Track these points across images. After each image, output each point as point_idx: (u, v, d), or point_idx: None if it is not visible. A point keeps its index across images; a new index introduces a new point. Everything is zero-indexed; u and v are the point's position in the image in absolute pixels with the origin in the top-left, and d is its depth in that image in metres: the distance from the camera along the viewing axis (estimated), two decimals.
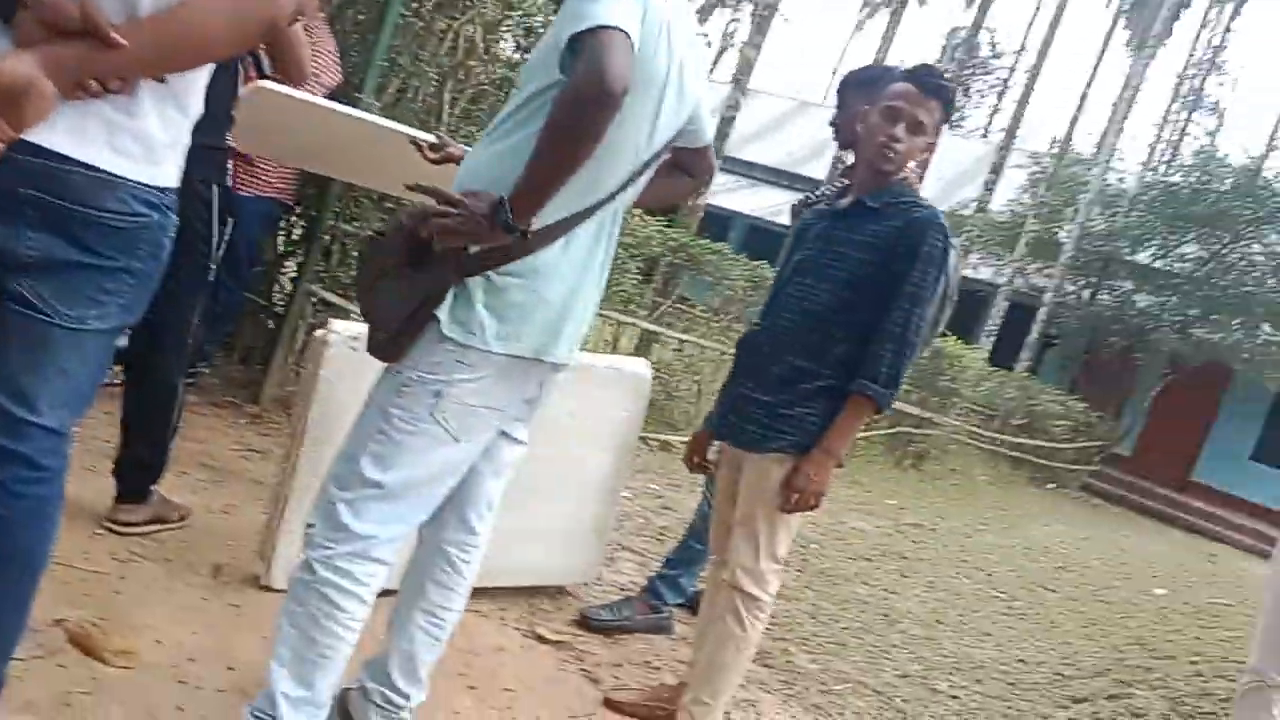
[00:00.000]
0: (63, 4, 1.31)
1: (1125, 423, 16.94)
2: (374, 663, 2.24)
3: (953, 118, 2.61)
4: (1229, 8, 31.96)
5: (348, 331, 2.90)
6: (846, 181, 3.21)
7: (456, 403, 1.91)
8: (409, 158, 2.79)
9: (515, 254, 1.86)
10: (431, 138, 2.81)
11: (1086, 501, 14.50)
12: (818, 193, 3.43)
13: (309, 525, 1.97)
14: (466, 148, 2.73)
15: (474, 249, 1.84)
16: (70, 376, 1.54)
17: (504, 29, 5.53)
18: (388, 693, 2.19)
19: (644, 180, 2.05)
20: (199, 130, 1.63)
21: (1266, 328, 15.30)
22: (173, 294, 2.31)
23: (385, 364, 1.97)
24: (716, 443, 2.87)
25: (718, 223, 18.61)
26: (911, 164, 2.62)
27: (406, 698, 2.20)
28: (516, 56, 5.54)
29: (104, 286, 1.51)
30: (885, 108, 2.52)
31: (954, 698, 3.95)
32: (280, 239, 5.01)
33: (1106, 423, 16.17)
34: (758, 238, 20.24)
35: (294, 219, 4.98)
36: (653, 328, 7.44)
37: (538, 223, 1.83)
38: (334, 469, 1.98)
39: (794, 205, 3.39)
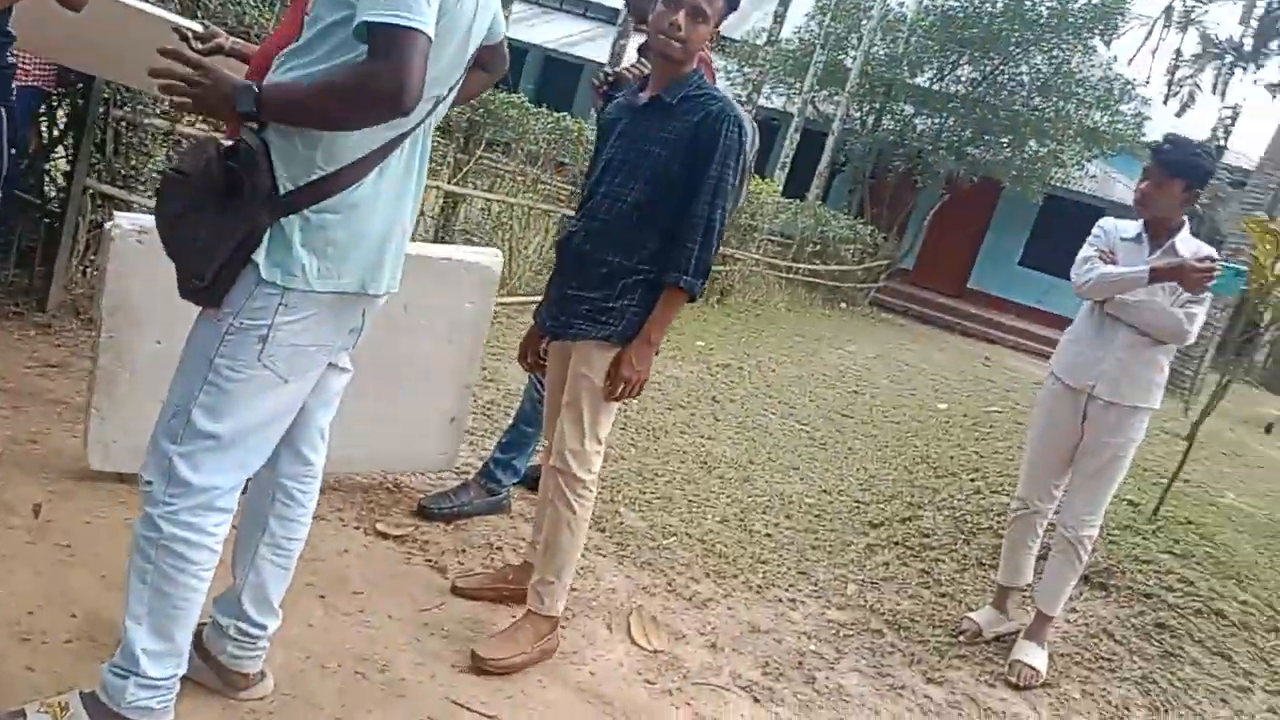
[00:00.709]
0: None
1: (908, 240, 18.08)
2: (224, 598, 2.28)
3: (737, 6, 2.64)
4: None
5: (134, 224, 2.86)
6: (644, 61, 3.26)
7: (283, 345, 1.90)
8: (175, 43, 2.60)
9: (328, 191, 1.84)
10: (197, 26, 2.65)
11: (875, 317, 15.58)
12: (612, 71, 3.42)
13: (146, 482, 1.95)
14: (238, 40, 2.60)
15: (286, 187, 1.82)
16: None
17: None
18: (243, 625, 2.24)
19: (452, 95, 2.07)
20: None
21: (1032, 144, 16.46)
22: None
23: (201, 309, 1.92)
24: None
25: (514, 57, 17.95)
26: (702, 50, 2.67)
27: (263, 628, 2.27)
28: None
29: None
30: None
31: (767, 535, 4.35)
32: (44, 128, 4.57)
33: (892, 243, 17.22)
34: (556, 70, 19.77)
35: (55, 105, 4.54)
36: (459, 190, 7.30)
37: (350, 156, 1.84)
38: (163, 422, 1.95)
39: (593, 81, 3.38)
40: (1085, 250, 3.60)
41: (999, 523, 4.56)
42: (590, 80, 3.47)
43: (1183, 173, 3.38)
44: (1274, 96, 32.30)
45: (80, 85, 4.32)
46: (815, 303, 14.08)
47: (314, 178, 1.83)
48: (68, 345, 4.17)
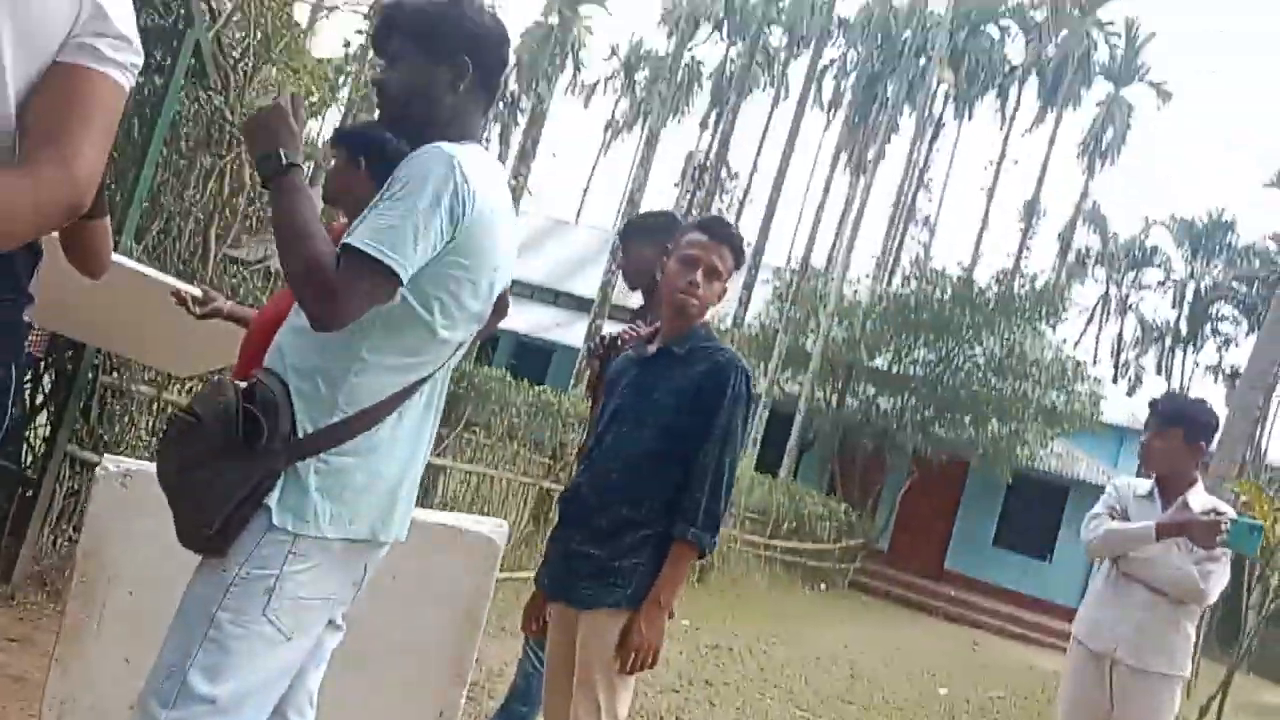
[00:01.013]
0: None
1: (880, 519, 18.01)
2: None
3: (744, 262, 2.69)
4: (929, 132, 36.07)
5: (120, 468, 2.71)
6: (640, 324, 3.24)
7: (289, 597, 1.73)
8: (171, 313, 2.54)
9: (348, 433, 1.75)
10: (196, 290, 2.59)
11: (856, 599, 15.18)
12: (610, 336, 3.41)
13: None
14: (236, 305, 2.55)
15: (305, 430, 1.72)
16: None
17: None
18: None
19: (465, 348, 2.02)
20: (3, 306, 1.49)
21: (995, 423, 16.85)
22: None
23: (202, 558, 1.75)
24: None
25: (488, 341, 18.51)
26: (710, 308, 2.68)
27: None
28: None
29: None
30: (684, 256, 2.58)
31: None
32: (27, 393, 4.42)
33: (865, 520, 17.13)
34: (526, 352, 20.32)
35: (43, 371, 4.42)
36: (440, 461, 7.17)
37: (371, 399, 1.76)
38: (154, 683, 1.71)
39: (591, 345, 3.35)
40: (1096, 508, 3.53)
41: None
42: (586, 344, 3.45)
43: (1179, 421, 3.37)
44: (1215, 379, 34.01)
45: (70, 351, 4.22)
46: (795, 582, 13.72)
47: (334, 420, 1.75)
48: (30, 619, 3.84)
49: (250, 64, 4.91)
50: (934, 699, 7.32)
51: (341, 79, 11.32)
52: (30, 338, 3.89)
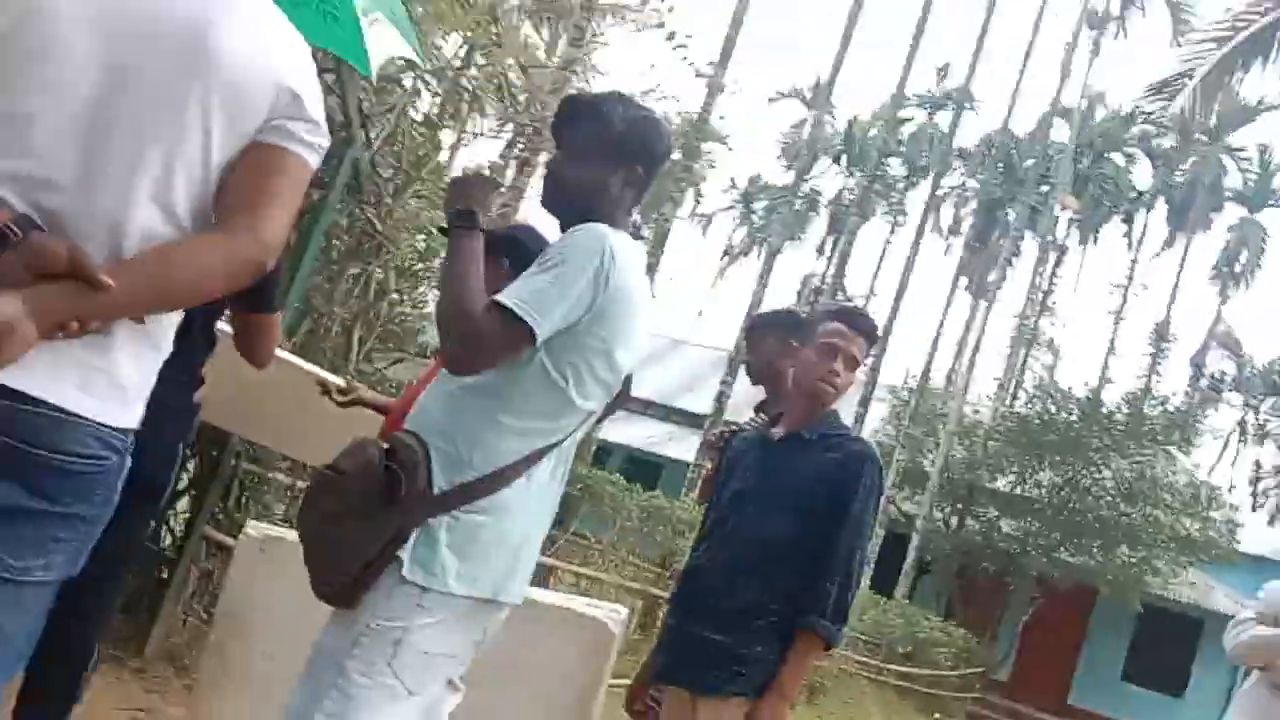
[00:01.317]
0: (50, 247, 1.27)
1: (1002, 647, 17.21)
2: None
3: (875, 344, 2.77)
4: (1053, 257, 35.58)
5: (261, 533, 2.85)
6: (764, 416, 3.34)
7: (415, 651, 1.81)
8: (315, 403, 2.74)
9: (481, 492, 1.85)
10: (341, 381, 2.78)
11: None
12: (731, 429, 3.52)
13: None
14: (378, 395, 2.74)
15: (441, 487, 1.83)
16: (6, 635, 1.38)
17: (419, 273, 5.74)
18: None
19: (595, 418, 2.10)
20: (179, 388, 1.57)
21: (1124, 549, 16.09)
22: (112, 549, 2.15)
23: (335, 610, 1.87)
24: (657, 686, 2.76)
25: (599, 454, 18.80)
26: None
27: None
28: (430, 300, 5.72)
29: (54, 535, 1.39)
30: (824, 345, 2.63)
31: None
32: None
33: (985, 647, 16.41)
34: (636, 466, 20.48)
35: (189, 456, 4.81)
36: (549, 561, 7.33)
37: (505, 459, 1.87)
38: None
39: (709, 438, 3.46)
40: (1243, 613, 3.41)
41: None
42: (707, 438, 3.58)
43: None
44: None
45: (214, 439, 4.58)
46: (908, 711, 13.17)
47: (468, 479, 1.84)
48: (159, 691, 4.07)
49: (400, 183, 5.35)
50: None
51: None
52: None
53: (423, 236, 6.56)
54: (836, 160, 38.42)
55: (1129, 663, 17.83)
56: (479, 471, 1.85)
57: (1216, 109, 15.16)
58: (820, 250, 40.24)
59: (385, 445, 1.91)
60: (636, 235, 2.20)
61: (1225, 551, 16.02)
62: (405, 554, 1.80)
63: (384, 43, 3.69)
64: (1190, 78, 14.03)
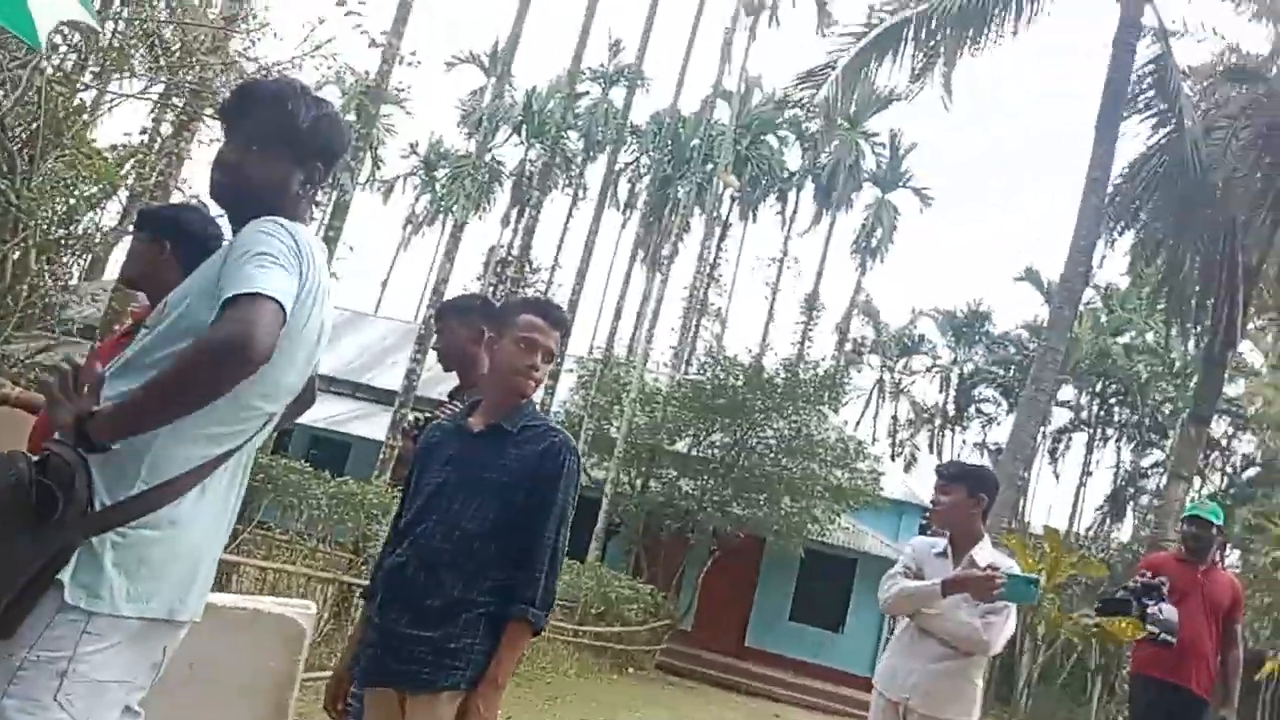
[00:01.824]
0: None
1: (685, 599, 18.35)
2: None
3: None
4: (718, 232, 37.97)
5: None
6: (458, 404, 3.31)
7: (83, 680, 1.66)
8: None
9: (149, 506, 1.71)
10: None
11: (663, 680, 15.32)
12: (425, 416, 3.46)
13: None
14: (24, 391, 2.49)
15: (103, 502, 1.69)
16: None
17: (61, 241, 5.15)
18: None
19: (276, 421, 2.01)
20: None
21: (786, 500, 17.64)
22: None
23: None
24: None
25: (282, 435, 17.79)
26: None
27: None
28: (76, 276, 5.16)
29: None
30: (523, 338, 2.62)
31: None
32: None
33: (670, 601, 17.42)
34: (322, 447, 19.63)
35: None
36: (232, 558, 6.88)
37: (175, 470, 1.74)
38: None
39: (404, 426, 3.39)
40: (894, 568, 3.83)
41: None
42: (401, 427, 3.51)
43: (961, 479, 3.75)
44: (981, 454, 36.78)
45: None
46: (604, 668, 13.73)
47: (134, 493, 1.71)
48: None
49: (38, 149, 4.76)
50: None
51: (125, 170, 10.94)
52: None
53: (61, 201, 5.88)
54: (517, 130, 38.71)
55: (795, 604, 19.67)
56: (147, 483, 1.72)
57: (855, 97, 16.75)
58: (505, 221, 40.55)
59: (37, 457, 1.71)
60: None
61: (872, 498, 17.97)
62: (66, 576, 1.64)
63: (53, 7, 3.25)
64: (833, 68, 15.45)
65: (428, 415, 3.43)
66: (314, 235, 1.98)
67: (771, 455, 18.41)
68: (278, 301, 1.67)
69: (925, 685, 3.58)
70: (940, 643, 3.61)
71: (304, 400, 2.19)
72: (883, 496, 18.36)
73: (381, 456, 13.93)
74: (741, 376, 18.40)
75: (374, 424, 18.73)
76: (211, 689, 2.94)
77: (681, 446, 18.50)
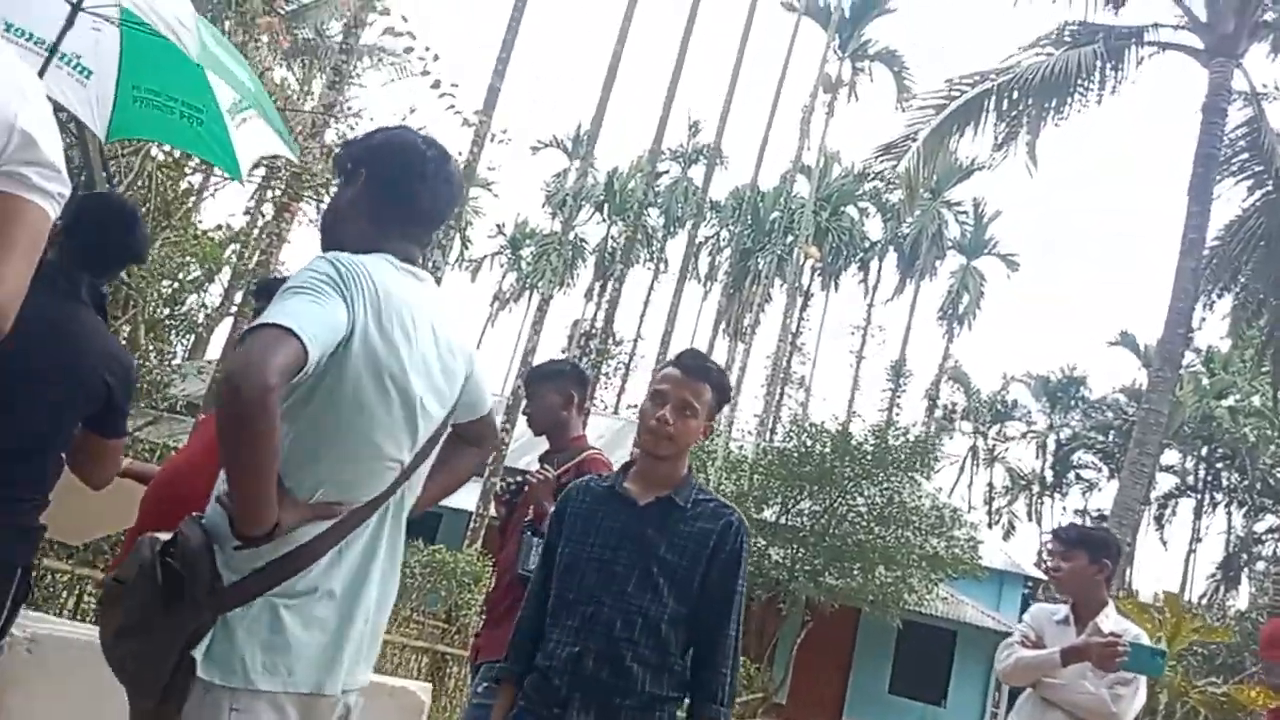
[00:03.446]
0: None
1: (778, 671, 17.89)
2: None
3: (729, 400, 2.50)
4: (799, 302, 37.93)
5: (26, 633, 2.51)
6: (549, 468, 3.22)
7: None
8: (70, 477, 2.54)
9: (279, 577, 1.66)
10: None
11: None
12: (518, 480, 3.36)
13: None
14: (134, 461, 2.55)
15: (230, 577, 1.64)
16: None
17: (169, 325, 5.38)
18: None
19: (420, 475, 1.90)
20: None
21: (881, 569, 17.16)
22: None
23: None
24: None
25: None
26: (692, 443, 2.44)
27: None
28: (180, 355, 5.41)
29: None
30: (652, 392, 2.43)
31: None
32: None
33: (764, 673, 16.99)
34: (411, 520, 19.89)
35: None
36: (448, 650, 6.92)
37: (302, 537, 1.67)
38: None
39: (496, 491, 3.27)
40: (1012, 636, 3.67)
41: None
42: (493, 494, 3.50)
43: (1081, 544, 3.58)
44: (1082, 522, 35.41)
45: None
46: None
47: (260, 564, 1.65)
48: None
49: (149, 229, 5.01)
50: None
51: (228, 253, 11.46)
52: None
53: (169, 283, 6.15)
54: (599, 209, 39.64)
55: (894, 676, 19.05)
56: (273, 554, 1.65)
57: (936, 167, 16.73)
58: (588, 295, 41.23)
59: (166, 537, 1.70)
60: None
61: (970, 566, 17.38)
62: (199, 653, 1.62)
63: (256, 144, 3.54)
64: (914, 140, 15.48)
65: (518, 481, 3.42)
66: (387, 264, 1.84)
67: (864, 523, 17.96)
68: (279, 326, 1.54)
69: None
70: (1065, 714, 3.42)
71: (485, 444, 2.13)
72: (981, 565, 17.74)
73: (471, 526, 14.01)
74: (829, 443, 18.12)
75: (463, 494, 18.84)
76: None
77: (769, 515, 18.21)
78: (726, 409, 20.10)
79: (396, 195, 1.91)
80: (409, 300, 1.80)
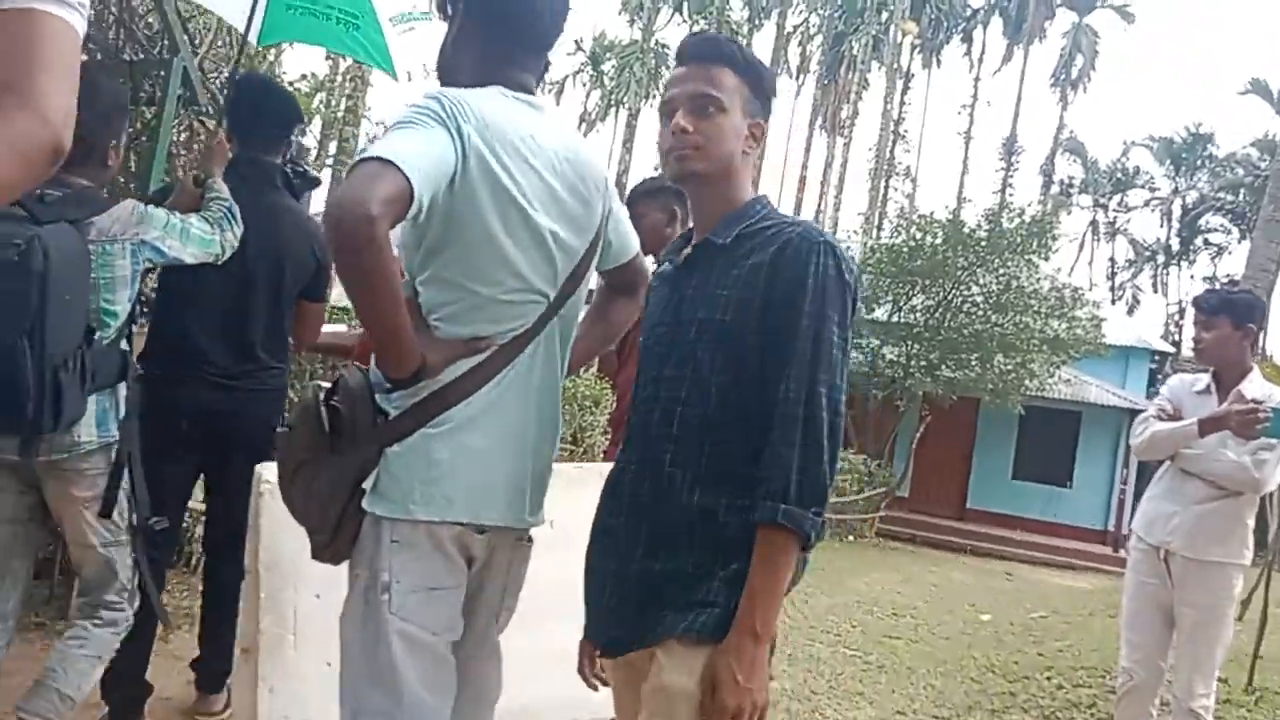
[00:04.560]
0: None
1: (899, 466, 18.14)
2: None
3: (770, 87, 1.83)
4: (900, 85, 36.07)
5: (269, 475, 2.50)
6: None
7: (412, 591, 1.67)
8: None
9: (437, 409, 1.67)
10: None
11: (884, 546, 15.31)
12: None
13: None
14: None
15: (390, 412, 1.68)
16: None
17: None
18: None
19: (573, 304, 1.84)
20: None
21: (1000, 358, 16.94)
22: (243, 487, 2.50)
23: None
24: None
25: None
26: (733, 154, 1.75)
27: None
28: None
29: None
30: (659, 107, 1.87)
31: None
32: None
33: (884, 469, 17.26)
34: None
35: None
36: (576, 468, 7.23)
37: (454, 372, 1.67)
38: (344, 707, 1.70)
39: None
40: (1148, 410, 3.59)
41: (1091, 715, 4.25)
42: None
43: (1225, 310, 3.43)
44: (1213, 288, 34.04)
45: None
46: (823, 536, 13.86)
47: (420, 398, 1.67)
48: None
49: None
50: (978, 626, 7.44)
51: (315, 103, 11.42)
52: None
53: None
54: (678, 9, 37.87)
55: (1017, 462, 19.11)
56: (430, 387, 1.68)
57: None
58: None
59: (327, 386, 1.74)
60: None
61: (1094, 346, 16.99)
62: (366, 486, 1.68)
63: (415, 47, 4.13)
64: None
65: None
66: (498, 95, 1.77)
67: (980, 313, 17.62)
68: (378, 159, 1.49)
69: (1189, 527, 3.38)
70: (1206, 484, 3.38)
71: (636, 294, 2.05)
72: (1105, 344, 17.30)
73: None
74: (940, 234, 17.60)
75: None
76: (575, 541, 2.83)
77: (881, 314, 18.00)
78: (830, 207, 19.39)
79: (496, 20, 1.83)
80: (524, 129, 1.74)
